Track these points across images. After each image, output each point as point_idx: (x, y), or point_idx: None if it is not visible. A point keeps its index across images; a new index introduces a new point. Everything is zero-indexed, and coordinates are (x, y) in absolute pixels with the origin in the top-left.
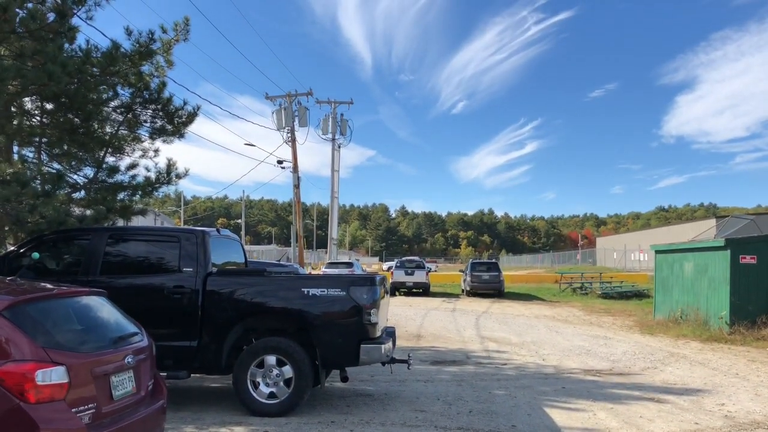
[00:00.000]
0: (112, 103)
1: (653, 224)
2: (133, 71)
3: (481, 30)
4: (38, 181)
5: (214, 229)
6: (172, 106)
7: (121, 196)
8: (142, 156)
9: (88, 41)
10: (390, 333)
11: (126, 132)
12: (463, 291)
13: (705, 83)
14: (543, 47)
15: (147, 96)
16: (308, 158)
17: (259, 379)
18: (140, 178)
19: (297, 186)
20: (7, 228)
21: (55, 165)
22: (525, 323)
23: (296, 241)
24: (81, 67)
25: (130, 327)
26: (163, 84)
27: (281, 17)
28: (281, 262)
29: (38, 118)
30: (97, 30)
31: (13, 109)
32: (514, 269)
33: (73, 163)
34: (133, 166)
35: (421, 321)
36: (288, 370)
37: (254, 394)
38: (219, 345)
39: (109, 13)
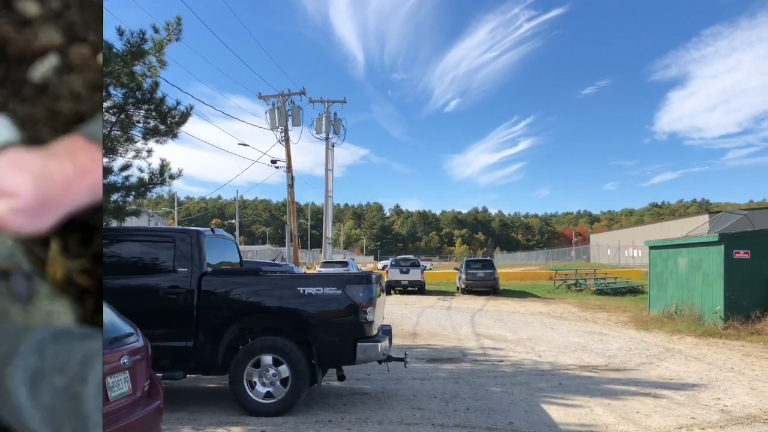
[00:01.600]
0: (105, 104)
1: (647, 220)
2: (125, 71)
3: (474, 27)
4: None
5: (209, 229)
6: (165, 106)
7: (114, 197)
8: (135, 156)
9: None
10: (386, 331)
11: (119, 132)
12: (458, 289)
13: (697, 79)
14: (535, 44)
15: (140, 96)
16: (302, 157)
17: (255, 379)
18: (133, 179)
19: (291, 185)
20: None
21: None
22: (520, 320)
23: (291, 241)
24: None
25: (126, 327)
26: (156, 84)
27: (273, 16)
28: (276, 262)
29: None
30: None
31: None
32: (508, 267)
33: None
34: (126, 166)
35: (416, 319)
36: (284, 370)
37: (251, 394)
38: (215, 345)
39: None
